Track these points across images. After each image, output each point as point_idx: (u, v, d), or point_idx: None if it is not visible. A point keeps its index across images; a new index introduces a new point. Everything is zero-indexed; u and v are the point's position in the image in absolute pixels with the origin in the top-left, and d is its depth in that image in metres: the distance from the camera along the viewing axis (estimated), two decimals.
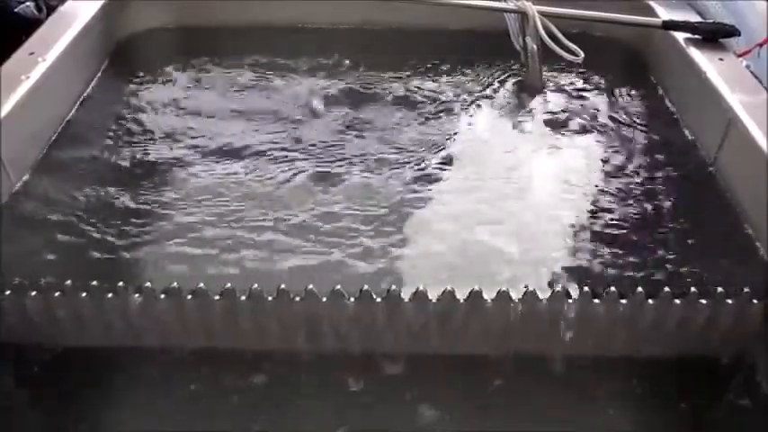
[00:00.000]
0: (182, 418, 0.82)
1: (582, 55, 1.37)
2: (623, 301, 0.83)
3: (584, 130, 1.32)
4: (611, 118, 1.35)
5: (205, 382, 0.85)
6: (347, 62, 1.51)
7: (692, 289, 0.84)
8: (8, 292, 0.83)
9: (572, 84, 1.45)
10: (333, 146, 1.25)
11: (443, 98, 1.40)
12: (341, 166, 1.20)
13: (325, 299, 0.82)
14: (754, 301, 0.84)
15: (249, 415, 0.82)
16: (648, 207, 1.12)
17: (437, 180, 1.18)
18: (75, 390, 0.84)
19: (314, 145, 1.25)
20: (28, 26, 1.35)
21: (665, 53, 1.44)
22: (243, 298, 0.82)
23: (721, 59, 1.28)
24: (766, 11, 1.36)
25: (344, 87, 1.43)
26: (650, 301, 0.83)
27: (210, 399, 0.84)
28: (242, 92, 1.41)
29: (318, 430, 0.82)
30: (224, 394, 0.84)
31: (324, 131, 1.29)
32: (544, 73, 1.45)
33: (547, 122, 1.34)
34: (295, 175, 1.18)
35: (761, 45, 1.35)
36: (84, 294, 0.82)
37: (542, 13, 1.40)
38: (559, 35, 1.39)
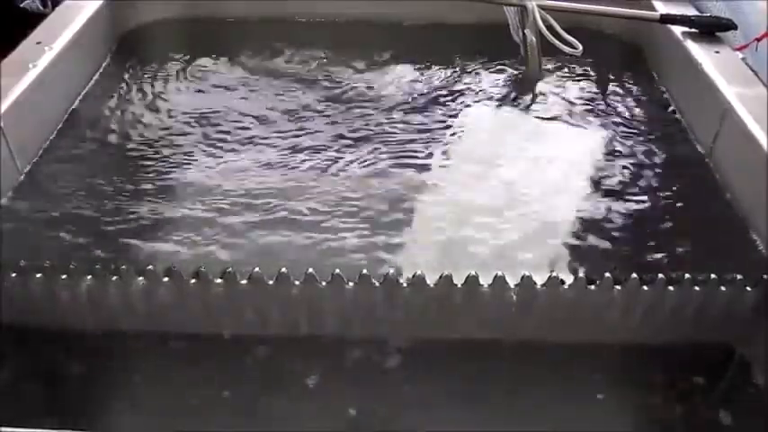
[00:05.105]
0: (182, 405, 0.83)
1: (581, 48, 1.38)
2: (618, 287, 0.85)
3: (581, 122, 1.33)
4: (608, 110, 1.36)
5: (206, 368, 0.87)
6: (347, 55, 1.52)
7: (686, 276, 0.85)
8: (13, 275, 0.84)
9: (570, 76, 1.46)
10: (334, 137, 1.27)
11: (441, 91, 1.41)
12: (341, 156, 1.21)
13: (324, 283, 0.84)
14: (748, 288, 0.85)
15: (247, 403, 0.83)
16: (643, 197, 1.13)
17: (435, 168, 1.20)
18: (76, 373, 0.85)
19: (316, 136, 1.27)
20: (34, 21, 1.36)
21: (662, 46, 1.45)
22: (243, 281, 0.84)
23: (717, 52, 1.30)
24: (767, 8, 1.38)
25: (344, 80, 1.44)
26: (644, 287, 0.85)
27: (210, 385, 0.85)
28: (248, 84, 1.42)
29: (316, 415, 0.83)
30: (223, 380, 0.85)
31: (326, 125, 1.30)
32: (543, 66, 1.46)
33: (545, 114, 1.35)
34: (303, 162, 1.20)
35: (759, 40, 1.36)
36: (88, 277, 0.84)
37: (542, 7, 1.41)
38: (558, 28, 1.40)
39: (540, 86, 1.43)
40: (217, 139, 1.25)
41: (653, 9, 1.46)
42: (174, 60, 1.49)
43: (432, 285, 0.84)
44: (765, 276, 0.86)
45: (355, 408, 0.82)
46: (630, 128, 1.31)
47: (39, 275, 0.84)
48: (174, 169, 1.17)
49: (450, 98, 1.39)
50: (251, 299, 0.85)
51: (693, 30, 1.38)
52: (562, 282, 0.84)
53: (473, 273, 0.83)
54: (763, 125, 1.07)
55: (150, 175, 1.15)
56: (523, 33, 1.44)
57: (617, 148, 1.25)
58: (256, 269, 0.83)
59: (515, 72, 1.48)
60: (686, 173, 1.19)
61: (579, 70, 1.48)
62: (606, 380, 0.87)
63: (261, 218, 1.06)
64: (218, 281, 0.84)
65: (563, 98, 1.39)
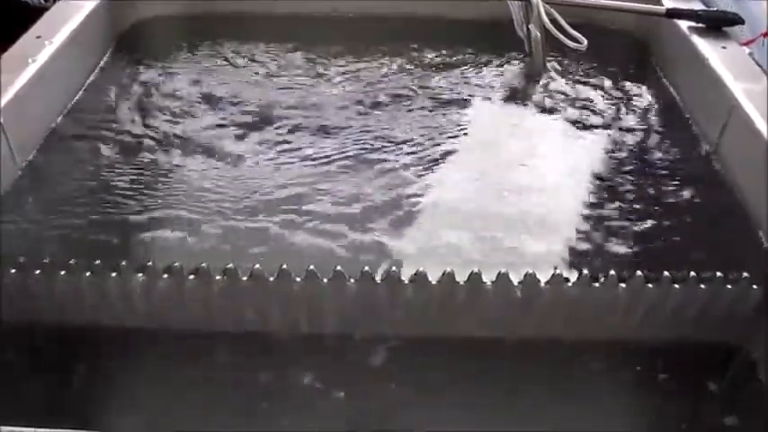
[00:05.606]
0: (182, 405, 0.83)
1: (585, 43, 1.37)
2: (622, 285, 0.84)
3: (585, 118, 1.31)
4: (613, 106, 1.35)
5: (206, 367, 0.86)
6: (348, 51, 1.51)
7: (692, 274, 0.84)
8: (13, 271, 0.84)
9: (575, 72, 1.45)
10: (338, 135, 1.26)
11: (445, 87, 1.40)
12: (345, 153, 1.21)
13: (326, 280, 0.83)
14: (754, 286, 0.84)
15: (247, 403, 0.83)
16: (648, 193, 1.12)
17: (440, 166, 1.19)
18: (75, 371, 0.85)
19: (320, 132, 1.26)
20: (34, 16, 1.35)
21: (668, 41, 1.44)
22: (244, 278, 0.83)
23: (724, 47, 1.29)
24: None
25: (345, 79, 1.42)
26: (649, 285, 0.84)
27: (210, 385, 0.85)
28: (247, 80, 1.41)
29: (316, 414, 0.82)
30: (223, 379, 0.85)
31: (329, 121, 1.29)
32: (547, 61, 1.45)
33: (549, 110, 1.34)
34: (301, 159, 1.19)
35: (766, 35, 1.35)
36: (87, 273, 0.83)
37: (546, 1, 1.40)
38: (563, 23, 1.39)
39: (545, 82, 1.42)
40: (217, 136, 1.24)
41: (659, 3, 1.46)
42: (173, 56, 1.48)
43: (434, 283, 0.83)
44: None
45: (354, 406, 0.82)
46: (635, 124, 1.30)
47: (38, 272, 0.84)
48: (173, 164, 1.16)
49: (453, 94, 1.38)
50: (251, 296, 0.84)
51: (700, 24, 1.36)
52: (566, 279, 0.84)
53: (476, 270, 0.83)
54: None
55: (149, 170, 1.14)
56: (528, 28, 1.43)
57: (621, 144, 1.24)
58: (257, 266, 0.83)
59: (519, 67, 1.47)
60: (692, 169, 1.18)
61: (584, 66, 1.47)
62: (607, 379, 0.86)
63: (258, 206, 1.07)
64: (219, 277, 0.83)
65: (567, 94, 1.38)
